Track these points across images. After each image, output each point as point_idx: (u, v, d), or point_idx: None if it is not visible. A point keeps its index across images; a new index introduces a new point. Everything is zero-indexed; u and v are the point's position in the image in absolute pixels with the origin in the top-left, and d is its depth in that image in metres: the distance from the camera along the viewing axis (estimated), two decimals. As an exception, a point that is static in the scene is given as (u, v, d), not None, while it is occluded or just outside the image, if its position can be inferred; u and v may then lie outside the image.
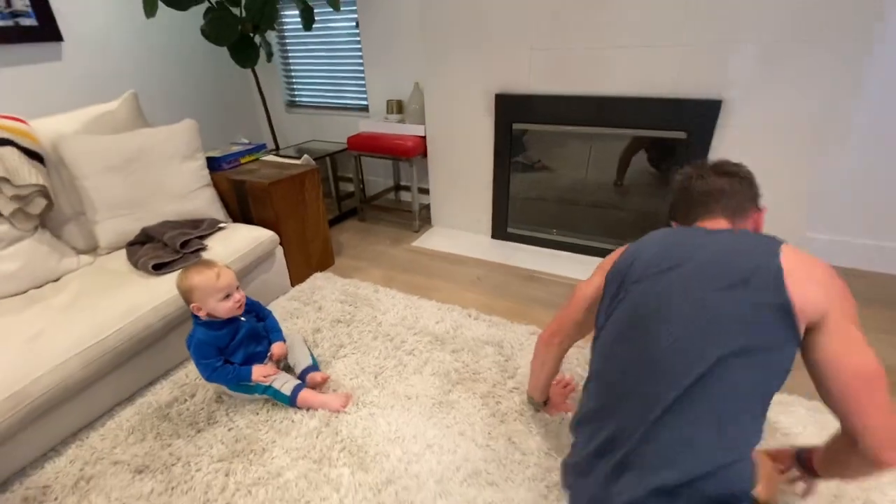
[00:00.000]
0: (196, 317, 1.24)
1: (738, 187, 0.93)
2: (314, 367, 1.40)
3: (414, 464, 1.12)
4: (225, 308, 1.22)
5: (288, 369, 1.41)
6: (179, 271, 1.29)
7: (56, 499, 1.08)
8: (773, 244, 0.75)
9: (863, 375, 0.69)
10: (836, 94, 1.51)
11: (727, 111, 1.66)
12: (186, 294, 1.23)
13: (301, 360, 1.40)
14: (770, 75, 1.56)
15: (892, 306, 1.73)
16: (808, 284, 0.70)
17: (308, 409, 1.28)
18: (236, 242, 1.68)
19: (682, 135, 1.75)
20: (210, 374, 1.26)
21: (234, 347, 1.28)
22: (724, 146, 1.71)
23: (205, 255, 1.56)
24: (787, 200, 1.69)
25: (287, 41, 3.02)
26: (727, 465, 0.68)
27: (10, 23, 2.01)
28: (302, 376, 1.36)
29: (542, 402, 1.23)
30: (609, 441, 0.78)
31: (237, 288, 1.28)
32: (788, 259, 0.72)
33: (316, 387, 1.34)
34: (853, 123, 1.78)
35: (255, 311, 1.41)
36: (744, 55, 1.57)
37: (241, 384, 1.29)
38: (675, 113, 1.73)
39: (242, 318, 1.32)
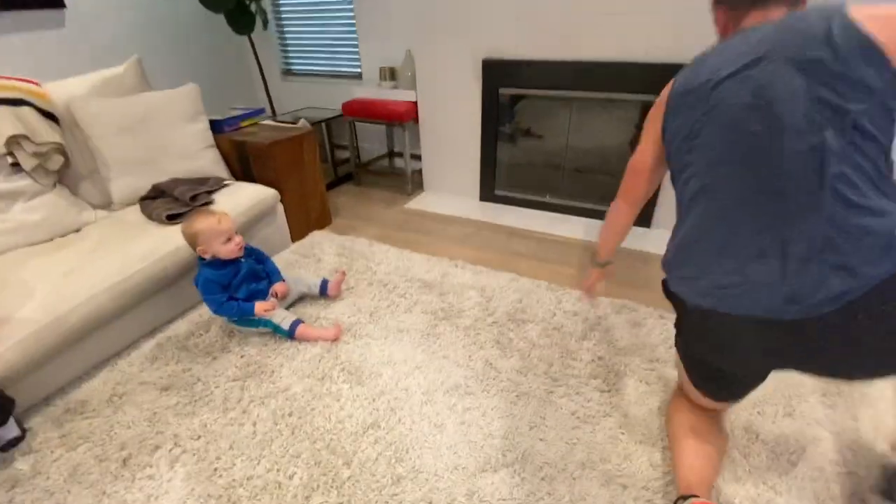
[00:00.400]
0: (201, 258, 1.40)
1: None
2: (326, 280, 1.66)
3: (403, 380, 1.30)
4: (227, 250, 1.39)
5: (300, 301, 1.64)
6: (183, 222, 1.44)
7: (94, 410, 1.25)
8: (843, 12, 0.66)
9: None
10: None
11: (695, 75, 1.79)
12: (192, 238, 1.38)
13: (314, 281, 1.65)
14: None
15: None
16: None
17: (308, 341, 1.45)
18: (240, 198, 1.82)
19: (650, 98, 1.88)
20: (217, 307, 1.42)
21: (237, 285, 1.45)
22: (693, 108, 1.84)
23: (212, 207, 1.70)
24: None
25: (282, 9, 3.08)
26: None
27: None
28: (323, 287, 1.64)
29: (604, 263, 1.18)
30: (772, 245, 0.71)
31: (235, 233, 1.43)
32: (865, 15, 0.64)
33: (338, 286, 1.67)
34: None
35: (255, 255, 1.56)
36: (705, 24, 1.69)
37: (245, 318, 1.46)
38: (650, 77, 1.85)
39: (242, 260, 1.48)
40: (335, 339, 1.46)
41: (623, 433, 1.13)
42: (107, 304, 1.34)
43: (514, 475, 1.03)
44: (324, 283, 1.65)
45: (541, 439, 1.12)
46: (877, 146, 0.65)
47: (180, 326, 1.57)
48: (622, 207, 1.08)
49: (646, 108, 1.95)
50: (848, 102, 0.64)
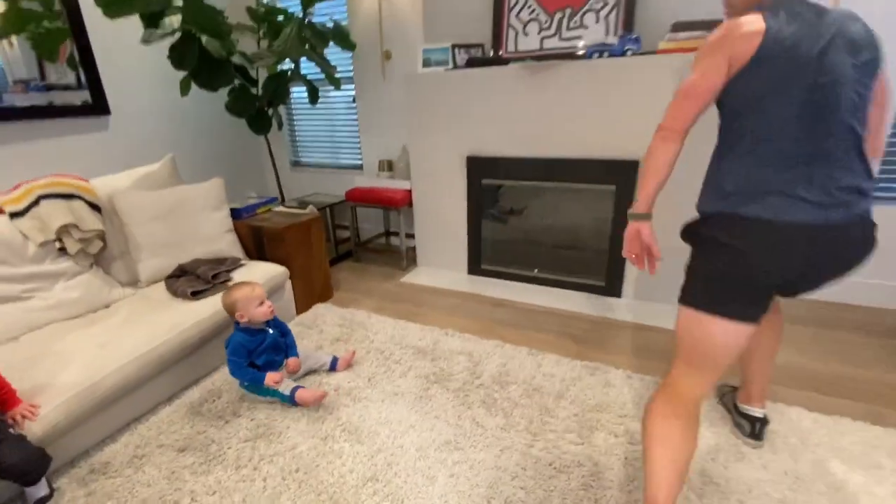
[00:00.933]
0: (237, 323, 1.60)
1: None
2: (336, 358, 1.82)
3: (399, 438, 1.44)
4: (261, 312, 1.60)
5: (310, 374, 1.80)
6: (223, 293, 1.66)
7: (116, 470, 1.37)
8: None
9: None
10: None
11: (644, 169, 2.14)
12: (231, 306, 1.59)
13: (325, 359, 1.82)
14: (671, 143, 2.06)
15: (790, 321, 2.14)
16: None
17: (304, 405, 1.60)
18: (255, 275, 2.04)
19: (611, 188, 2.22)
20: (235, 369, 1.60)
21: (260, 352, 1.63)
22: (645, 196, 2.18)
23: (231, 284, 1.93)
24: (696, 237, 2.14)
25: (294, 112, 3.55)
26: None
27: (73, 100, 2.47)
28: (333, 364, 1.82)
29: (647, 214, 1.22)
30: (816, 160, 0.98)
31: (266, 298, 1.65)
32: None
33: (346, 364, 1.83)
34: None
35: (280, 327, 1.76)
36: (651, 128, 2.07)
37: (255, 385, 1.62)
38: (605, 171, 2.21)
39: (270, 331, 1.67)
40: (320, 400, 1.61)
41: (594, 480, 1.27)
42: (133, 374, 1.51)
43: (497, 520, 1.16)
44: (334, 361, 1.82)
45: (521, 488, 1.25)
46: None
47: (194, 393, 1.71)
48: (669, 138, 1.13)
49: (603, 194, 2.28)
50: (868, 90, 1.00)
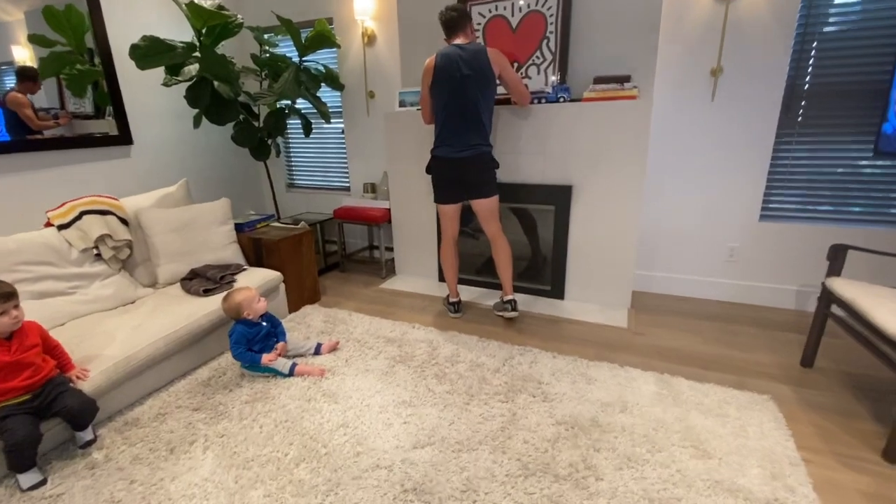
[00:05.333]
0: (237, 319, 2.03)
1: (462, 17, 2.30)
2: (320, 343, 2.23)
3: (367, 399, 1.85)
4: (262, 306, 2.06)
5: (298, 357, 2.20)
6: (222, 299, 2.08)
7: (145, 423, 1.76)
8: (483, 48, 2.27)
9: (517, 80, 2.40)
10: (632, 183, 2.48)
11: (577, 192, 2.62)
12: (237, 307, 2.02)
13: (310, 346, 2.22)
14: (595, 172, 2.55)
15: (699, 318, 2.58)
16: (496, 59, 2.27)
17: (302, 376, 2.01)
18: (254, 279, 2.47)
19: (551, 208, 2.70)
20: (237, 353, 2.01)
21: (257, 341, 2.05)
22: (578, 214, 2.65)
23: (235, 285, 2.35)
24: (619, 246, 2.60)
25: (291, 141, 4.04)
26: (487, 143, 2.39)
27: (89, 131, 2.90)
28: (318, 349, 2.20)
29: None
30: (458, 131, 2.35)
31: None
32: (490, 53, 2.27)
33: (331, 349, 2.24)
34: (646, 197, 2.77)
35: (272, 321, 2.18)
36: (579, 160, 2.57)
37: (254, 365, 2.03)
38: (546, 194, 2.68)
39: (264, 324, 2.10)
40: (321, 375, 2.02)
41: (510, 424, 1.68)
42: (161, 349, 1.92)
43: (434, 450, 1.57)
44: (318, 346, 2.23)
45: (455, 430, 1.66)
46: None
47: (204, 371, 2.12)
48: (425, 119, 2.54)
49: (546, 213, 2.75)
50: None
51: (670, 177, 2.78)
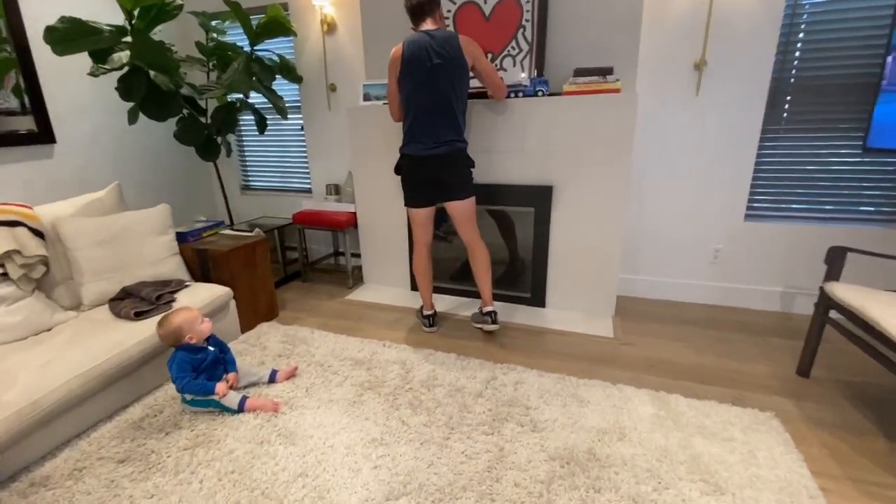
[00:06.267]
0: (178, 346, 1.72)
1: (431, 1, 2.07)
2: (275, 370, 1.95)
3: (330, 439, 1.60)
4: (206, 327, 1.77)
5: (250, 386, 1.92)
6: (157, 324, 1.76)
7: (56, 483, 1.44)
8: (454, 34, 2.04)
9: (491, 70, 2.18)
10: (616, 182, 2.31)
11: (557, 193, 2.44)
12: (176, 332, 1.71)
13: (264, 372, 1.94)
14: (577, 171, 2.37)
15: (686, 323, 2.45)
16: (469, 48, 2.05)
17: (254, 412, 1.73)
18: (198, 297, 2.16)
19: (531, 209, 2.50)
20: (184, 384, 1.70)
21: (203, 369, 1.75)
22: (559, 216, 2.46)
23: (174, 305, 2.03)
24: (602, 250, 2.44)
25: (245, 138, 3.68)
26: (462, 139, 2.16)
27: (11, 129, 2.50)
28: (272, 377, 1.95)
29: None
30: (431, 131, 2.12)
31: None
32: (462, 40, 2.05)
33: (289, 376, 1.97)
34: (629, 202, 2.63)
35: (219, 346, 1.88)
36: (559, 159, 2.38)
37: (201, 398, 1.74)
38: (524, 195, 2.48)
39: (210, 348, 1.80)
40: (276, 410, 1.75)
41: (498, 463, 1.47)
42: (76, 390, 1.59)
43: (411, 501, 1.34)
44: (273, 374, 1.95)
45: (435, 473, 1.43)
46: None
47: (136, 410, 1.80)
48: (393, 116, 2.30)
49: (525, 216, 2.56)
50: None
51: (652, 175, 2.64)
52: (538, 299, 2.66)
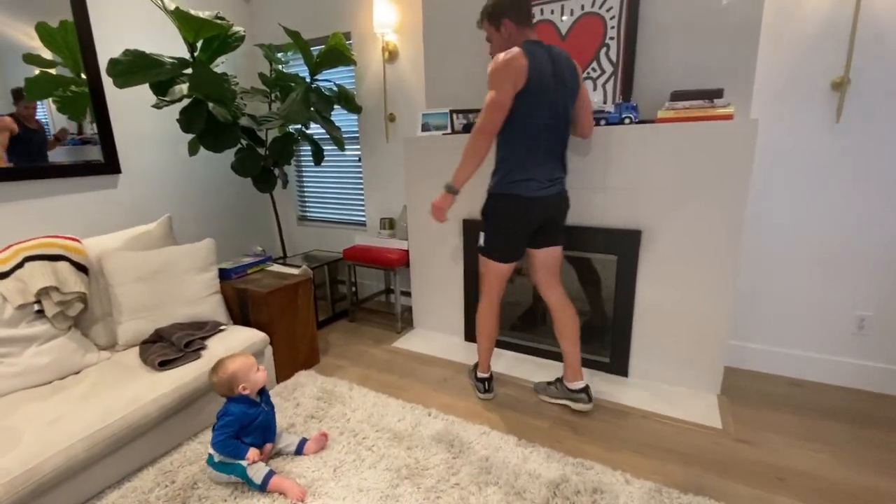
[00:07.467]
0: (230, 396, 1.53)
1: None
2: (304, 440, 1.69)
3: (353, 550, 1.26)
4: (262, 377, 1.57)
5: (276, 456, 1.67)
6: (211, 370, 1.57)
7: (39, 572, 1.24)
8: (569, 55, 1.74)
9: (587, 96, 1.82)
10: (726, 228, 1.84)
11: (647, 239, 2.00)
12: (230, 381, 1.51)
13: (293, 440, 1.69)
14: (673, 213, 1.92)
15: (823, 416, 1.86)
16: (580, 72, 1.77)
17: (277, 493, 1.45)
18: (232, 342, 1.96)
19: (613, 258, 2.08)
20: (220, 441, 1.48)
21: (252, 430, 1.54)
22: (649, 266, 2.02)
23: (204, 353, 1.85)
24: (706, 311, 1.94)
25: (303, 170, 3.62)
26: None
27: (80, 159, 2.54)
28: (300, 447, 1.67)
29: (458, 191, 1.76)
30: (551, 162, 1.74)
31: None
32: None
33: (318, 448, 1.69)
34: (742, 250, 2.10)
35: (270, 406, 1.65)
36: (651, 198, 1.95)
37: (229, 460, 1.50)
38: (605, 240, 2.07)
39: (264, 407, 1.58)
40: (301, 500, 1.45)
41: None
42: (80, 454, 1.40)
43: None
44: (301, 444, 1.68)
45: None
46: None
47: (148, 476, 1.59)
48: (489, 139, 1.65)
49: (606, 264, 2.13)
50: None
51: (771, 220, 2.11)
52: (619, 367, 2.19)
